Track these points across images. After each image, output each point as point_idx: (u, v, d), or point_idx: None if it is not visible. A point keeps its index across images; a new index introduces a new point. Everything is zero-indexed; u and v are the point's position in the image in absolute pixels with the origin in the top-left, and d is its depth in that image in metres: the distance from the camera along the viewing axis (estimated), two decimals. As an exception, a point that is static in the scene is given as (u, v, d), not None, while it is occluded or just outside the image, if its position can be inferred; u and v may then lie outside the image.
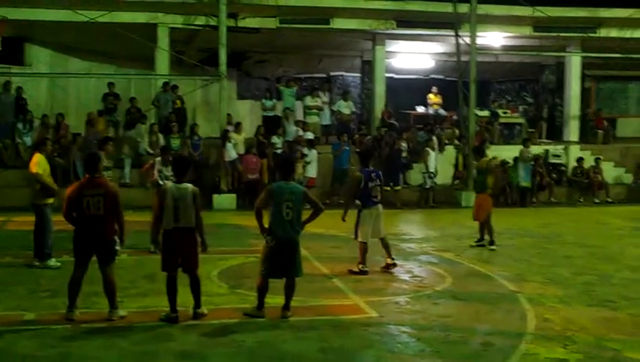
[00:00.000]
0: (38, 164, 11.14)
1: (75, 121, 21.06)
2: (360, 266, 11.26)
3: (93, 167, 8.55)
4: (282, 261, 8.56)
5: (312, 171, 20.12)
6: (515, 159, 21.18)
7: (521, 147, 21.45)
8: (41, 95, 23.16)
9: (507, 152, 21.48)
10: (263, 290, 8.61)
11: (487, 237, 13.93)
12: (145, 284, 10.25)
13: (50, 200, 11.28)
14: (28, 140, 20.18)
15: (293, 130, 21.44)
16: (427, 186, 20.62)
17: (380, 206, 11.56)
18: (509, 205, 20.80)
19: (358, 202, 11.36)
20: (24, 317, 8.47)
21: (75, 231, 8.40)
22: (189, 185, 8.49)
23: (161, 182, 12.77)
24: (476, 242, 14.00)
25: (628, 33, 23.45)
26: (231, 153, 19.76)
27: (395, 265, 11.52)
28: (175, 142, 19.68)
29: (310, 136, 21.26)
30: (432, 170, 20.59)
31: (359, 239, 11.31)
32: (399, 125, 23.84)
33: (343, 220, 11.31)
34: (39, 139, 12.84)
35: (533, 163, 21.34)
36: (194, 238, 8.42)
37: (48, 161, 11.62)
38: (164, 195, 8.40)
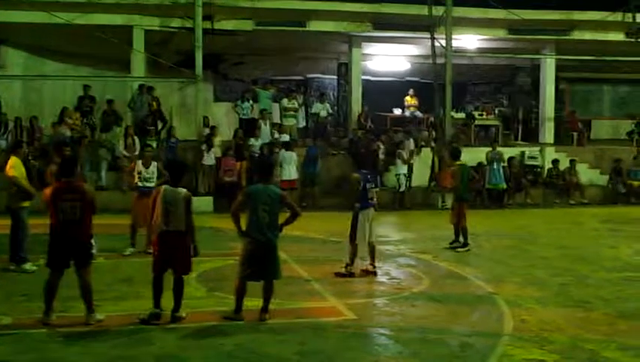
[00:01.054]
0: (14, 167, 11.04)
1: (50, 123, 20.87)
2: (348, 268, 11.27)
3: (68, 171, 8.49)
4: (260, 263, 8.55)
5: (292, 173, 19.97)
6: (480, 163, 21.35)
7: (488, 149, 21.59)
8: (15, 97, 22.95)
9: (483, 154, 21.59)
10: (241, 293, 8.59)
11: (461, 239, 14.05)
12: (122, 287, 10.21)
13: (27, 204, 11.18)
14: (2, 143, 20.00)
15: (268, 132, 21.40)
16: (401, 189, 20.66)
17: (373, 208, 11.58)
18: (485, 207, 20.87)
19: (357, 204, 11.36)
20: (0, 322, 8.38)
21: (51, 236, 8.33)
22: (183, 190, 8.51)
23: (140, 184, 12.74)
24: (450, 243, 14.09)
25: (601, 35, 23.64)
26: (211, 157, 19.75)
27: (375, 274, 11.48)
28: (152, 144, 19.54)
29: (286, 138, 21.24)
30: (404, 172, 20.64)
31: (356, 241, 11.31)
32: (376, 127, 23.90)
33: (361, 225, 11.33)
34: (14, 142, 12.75)
35: (504, 165, 21.47)
36: (185, 242, 8.43)
37: (24, 164, 11.52)
38: (156, 197, 8.43)
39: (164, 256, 8.38)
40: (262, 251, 8.54)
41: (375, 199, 11.70)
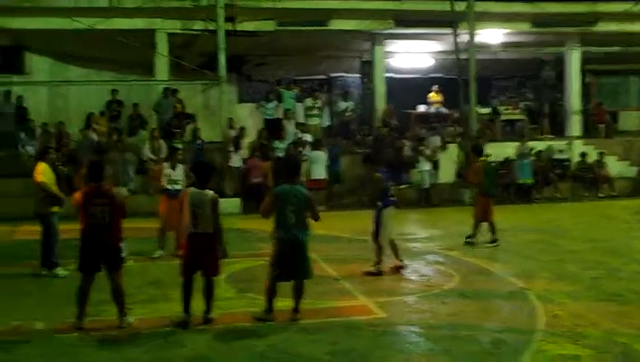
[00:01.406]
0: (43, 173, 11.13)
1: (77, 128, 21.03)
2: (378, 266, 11.25)
3: (97, 176, 8.53)
4: (290, 263, 8.54)
5: (321, 173, 19.89)
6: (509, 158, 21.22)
7: (518, 144, 21.45)
8: (42, 103, 23.18)
9: (510, 149, 21.48)
10: (271, 293, 8.59)
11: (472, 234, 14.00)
12: (152, 290, 10.25)
13: (56, 209, 11.26)
14: (30, 149, 20.17)
15: (292, 132, 21.42)
16: (426, 186, 20.60)
17: (394, 205, 11.58)
18: (512, 202, 20.74)
19: (379, 203, 11.34)
20: (34, 327, 8.44)
21: (81, 241, 8.38)
22: (210, 192, 8.51)
23: (169, 187, 12.78)
24: (466, 238, 13.96)
25: (626, 27, 23.43)
26: (239, 159, 19.82)
27: (404, 267, 11.49)
28: (178, 147, 19.63)
29: (308, 138, 21.25)
30: (427, 168, 20.57)
31: (382, 240, 11.29)
32: (401, 124, 23.85)
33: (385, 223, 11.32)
34: (42, 148, 12.82)
35: (533, 159, 21.34)
36: (213, 244, 8.43)
37: (53, 170, 11.61)
38: (184, 200, 8.44)
39: (193, 258, 8.40)
40: (290, 251, 8.53)
41: (394, 195, 11.64)
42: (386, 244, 11.42)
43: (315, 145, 20.27)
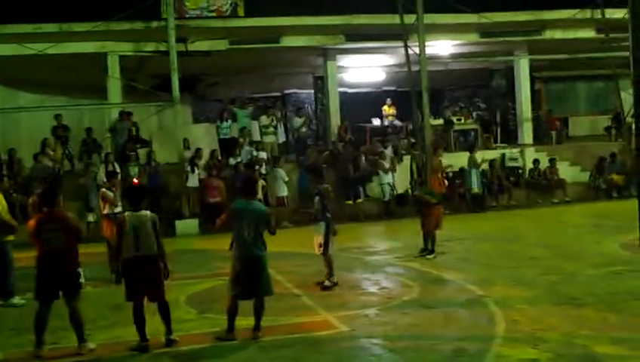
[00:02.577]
0: None
1: (29, 155, 20.75)
2: (332, 279, 11.27)
3: (51, 201, 8.45)
4: (250, 280, 8.52)
5: (283, 189, 19.85)
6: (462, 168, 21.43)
7: (468, 154, 21.66)
8: (-7, 131, 22.86)
9: (464, 158, 21.68)
10: (232, 313, 8.55)
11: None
12: (111, 315, 10.13)
13: (11, 238, 11.09)
14: (-18, 177, 19.87)
15: (248, 150, 21.41)
16: (385, 198, 20.72)
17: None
18: (462, 211, 20.88)
19: (329, 215, 11.36)
20: (-9, 358, 8.32)
21: (38, 268, 8.28)
22: (147, 212, 8.43)
23: (116, 211, 12.68)
24: (420, 253, 13.91)
25: (572, 34, 23.85)
26: (195, 179, 19.75)
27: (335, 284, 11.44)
28: (133, 170, 19.56)
29: (263, 155, 21.25)
30: (388, 181, 20.69)
31: (329, 252, 11.31)
32: (356, 139, 23.96)
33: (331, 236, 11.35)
34: None
35: (483, 169, 21.55)
36: (157, 266, 8.36)
37: (5, 198, 11.45)
38: (122, 224, 8.32)
39: (137, 283, 8.27)
40: (250, 268, 8.52)
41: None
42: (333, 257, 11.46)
43: (274, 162, 20.27)
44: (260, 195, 18.68)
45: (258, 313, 8.61)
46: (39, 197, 8.77)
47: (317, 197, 11.38)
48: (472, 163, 21.26)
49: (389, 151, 21.85)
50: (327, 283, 11.26)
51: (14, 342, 8.95)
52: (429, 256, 13.65)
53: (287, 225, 19.05)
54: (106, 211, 12.78)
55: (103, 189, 13.10)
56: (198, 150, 20.76)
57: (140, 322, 8.27)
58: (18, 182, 19.17)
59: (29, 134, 22.75)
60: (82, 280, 8.67)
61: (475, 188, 21.23)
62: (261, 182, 19.64)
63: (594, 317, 8.96)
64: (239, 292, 8.52)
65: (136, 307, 8.30)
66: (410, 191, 21.45)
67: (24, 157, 20.88)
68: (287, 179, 19.93)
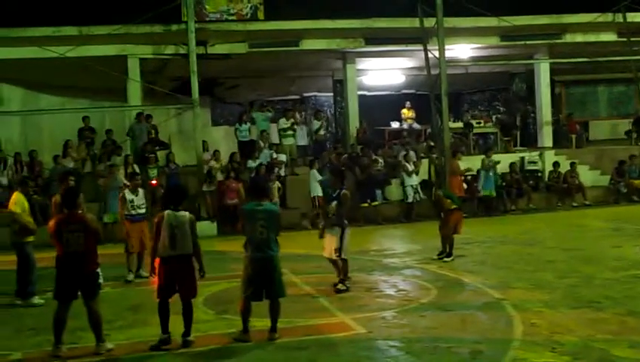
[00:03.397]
0: (17, 203, 11.08)
1: (51, 157, 20.92)
2: (346, 283, 11.28)
3: (71, 202, 8.51)
4: (262, 282, 8.55)
5: (317, 190, 19.54)
6: (479, 170, 21.35)
7: (483, 156, 21.59)
8: (14, 133, 23.05)
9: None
10: (246, 313, 8.59)
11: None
12: (130, 316, 10.20)
13: (31, 238, 11.20)
14: (3, 179, 20.05)
15: (268, 153, 21.46)
16: (410, 200, 20.67)
17: None
18: (480, 215, 20.81)
19: (346, 221, 11.38)
20: (10, 357, 8.39)
21: (57, 268, 8.34)
22: (187, 213, 8.58)
23: (134, 212, 12.79)
24: (438, 255, 13.90)
25: (593, 37, 23.77)
26: (211, 186, 19.85)
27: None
28: (152, 172, 19.65)
29: (282, 158, 21.30)
30: (412, 183, 20.64)
31: (344, 256, 11.32)
32: (374, 141, 23.96)
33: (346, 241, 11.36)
34: (19, 180, 12.82)
35: (500, 172, 21.45)
36: (191, 265, 8.47)
37: (28, 200, 11.55)
38: (160, 223, 8.42)
39: (170, 281, 8.39)
40: (262, 269, 8.55)
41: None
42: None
43: (310, 164, 20.28)
44: (276, 198, 18.81)
45: (274, 314, 8.64)
46: (61, 198, 8.82)
47: (335, 202, 11.36)
48: (485, 165, 21.17)
49: (413, 154, 21.76)
50: (340, 286, 11.25)
51: (33, 341, 9.02)
52: (446, 259, 13.62)
53: (307, 225, 19.13)
54: (125, 212, 12.88)
55: (126, 191, 13.19)
56: (216, 152, 20.84)
57: (164, 316, 8.39)
58: (38, 184, 19.33)
59: (50, 137, 22.96)
60: (101, 280, 8.74)
61: (487, 190, 21.11)
62: (277, 185, 19.71)
63: (612, 320, 8.91)
64: (251, 294, 8.55)
65: (162, 303, 8.41)
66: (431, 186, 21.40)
67: (45, 159, 21.05)
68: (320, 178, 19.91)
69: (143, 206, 12.99)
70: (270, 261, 8.59)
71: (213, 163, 20.20)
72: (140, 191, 13.20)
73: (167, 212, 8.56)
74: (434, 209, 14.97)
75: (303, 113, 24.50)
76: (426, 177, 21.14)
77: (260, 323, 8.71)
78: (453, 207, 13.97)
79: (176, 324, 8.47)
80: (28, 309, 10.89)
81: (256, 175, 19.73)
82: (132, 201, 12.87)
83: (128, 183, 18.68)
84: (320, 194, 19.36)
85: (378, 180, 21.04)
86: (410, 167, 20.94)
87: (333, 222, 11.33)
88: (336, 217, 11.32)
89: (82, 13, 19.60)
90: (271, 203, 9.00)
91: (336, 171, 13.30)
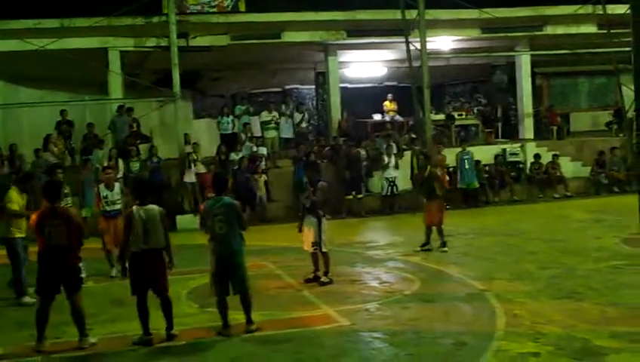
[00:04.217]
0: (12, 200, 10.80)
1: (30, 150, 20.78)
2: (329, 275, 11.29)
3: (53, 195, 8.46)
4: (226, 277, 8.57)
5: None
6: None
7: (459, 150, 21.66)
8: (-7, 127, 22.87)
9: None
10: (222, 308, 8.60)
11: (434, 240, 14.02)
12: (113, 310, 10.17)
13: (19, 234, 10.88)
14: (-17, 173, 19.92)
15: (249, 146, 21.44)
16: (387, 193, 20.70)
17: None
18: (457, 207, 20.88)
19: (321, 212, 11.38)
20: (-7, 352, 8.36)
21: (39, 263, 8.30)
22: (155, 206, 8.50)
23: (108, 208, 12.59)
24: (421, 246, 13.93)
25: (574, 29, 23.90)
26: (192, 175, 19.76)
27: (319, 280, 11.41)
28: (135, 166, 19.55)
29: (264, 151, 21.29)
30: (389, 176, 20.67)
31: (325, 249, 11.33)
32: (357, 134, 23.96)
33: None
34: (26, 174, 12.70)
35: (472, 164, 21.55)
36: (162, 259, 8.44)
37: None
38: (131, 218, 8.35)
39: (142, 276, 8.35)
40: (225, 265, 8.56)
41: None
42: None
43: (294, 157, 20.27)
44: (263, 191, 18.79)
45: (245, 307, 8.66)
46: (43, 191, 8.72)
47: (309, 191, 11.34)
48: (465, 157, 21.25)
49: (394, 147, 21.74)
50: (324, 279, 11.25)
51: (16, 336, 8.98)
52: (444, 249, 13.69)
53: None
54: (106, 208, 12.65)
55: (101, 186, 12.91)
56: (194, 145, 20.74)
57: (144, 315, 8.35)
58: (19, 177, 19.15)
59: (30, 130, 22.78)
60: (83, 275, 8.71)
61: (464, 183, 21.21)
62: (263, 178, 19.70)
63: (594, 310, 8.99)
64: (219, 289, 8.58)
65: (141, 300, 8.37)
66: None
67: (25, 153, 20.88)
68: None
69: (119, 202, 12.56)
70: (232, 255, 8.58)
71: (192, 155, 20.04)
72: (117, 185, 12.86)
73: (134, 207, 8.48)
74: (421, 188, 14.82)
75: (289, 105, 24.39)
76: (408, 170, 21.20)
77: (241, 316, 8.70)
78: (438, 193, 14.00)
79: (158, 320, 8.45)
80: (10, 303, 10.81)
81: (238, 168, 19.71)
82: (106, 197, 12.56)
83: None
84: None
85: (362, 172, 21.03)
86: (387, 160, 20.91)
87: (309, 209, 11.28)
88: (311, 204, 11.27)
89: (64, 5, 19.43)
90: (229, 197, 8.91)
91: (310, 164, 13.27)
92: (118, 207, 12.52)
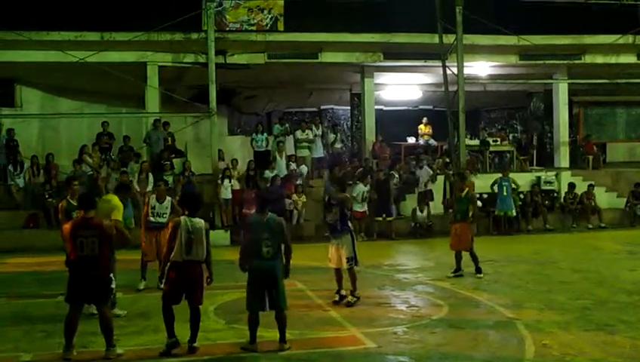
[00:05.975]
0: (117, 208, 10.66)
1: (68, 161, 21.00)
2: (356, 294, 11.24)
3: (87, 206, 8.54)
4: (263, 293, 8.56)
5: (361, 205, 19.53)
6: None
7: (499, 175, 21.46)
8: (32, 136, 23.14)
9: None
10: (252, 324, 8.61)
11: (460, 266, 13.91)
12: (140, 322, 10.20)
13: None
14: (20, 182, 20.20)
15: (283, 164, 21.49)
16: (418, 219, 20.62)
17: None
18: (491, 233, 20.71)
19: (351, 225, 11.39)
20: (21, 359, 8.40)
21: (70, 272, 8.37)
22: (202, 220, 8.66)
23: (152, 219, 12.73)
24: (453, 273, 13.80)
25: (613, 59, 23.69)
26: (227, 191, 19.84)
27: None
28: (168, 180, 19.66)
29: (304, 170, 21.33)
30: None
31: (357, 265, 11.30)
32: (390, 156, 23.92)
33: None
34: (120, 184, 12.85)
35: (512, 191, 21.32)
36: (201, 272, 8.54)
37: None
38: (177, 228, 8.46)
39: (181, 286, 8.43)
40: (264, 280, 8.56)
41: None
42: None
43: (365, 175, 20.19)
44: (301, 211, 18.82)
45: (280, 325, 8.66)
46: (77, 201, 8.79)
47: (336, 207, 11.32)
48: (504, 183, 21.02)
49: (427, 170, 21.62)
50: (350, 299, 11.21)
51: (44, 344, 9.03)
52: (479, 275, 13.57)
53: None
54: (150, 219, 12.73)
55: (152, 196, 13.07)
56: (233, 161, 20.89)
57: (169, 319, 8.43)
58: (53, 187, 19.42)
59: (68, 141, 23.03)
60: (113, 286, 8.76)
61: (501, 210, 20.99)
62: (302, 198, 19.75)
63: (625, 343, 8.86)
64: (253, 304, 8.59)
65: (167, 307, 8.44)
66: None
67: (62, 163, 21.12)
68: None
69: (165, 216, 12.62)
70: (272, 272, 8.61)
71: (229, 171, 20.20)
72: (168, 199, 12.91)
73: (183, 218, 8.60)
74: (453, 209, 14.69)
75: (320, 125, 24.44)
76: (442, 194, 21.09)
77: (268, 333, 8.69)
78: (470, 216, 13.89)
79: (182, 331, 8.46)
80: (39, 311, 10.90)
81: (271, 185, 19.74)
82: (154, 208, 12.72)
83: (138, 189, 18.78)
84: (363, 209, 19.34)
85: (393, 195, 20.96)
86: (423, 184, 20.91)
87: (338, 227, 11.24)
88: (341, 223, 11.26)
89: (104, 19, 19.73)
90: (275, 215, 8.93)
91: (338, 180, 13.24)
92: (162, 220, 12.51)
